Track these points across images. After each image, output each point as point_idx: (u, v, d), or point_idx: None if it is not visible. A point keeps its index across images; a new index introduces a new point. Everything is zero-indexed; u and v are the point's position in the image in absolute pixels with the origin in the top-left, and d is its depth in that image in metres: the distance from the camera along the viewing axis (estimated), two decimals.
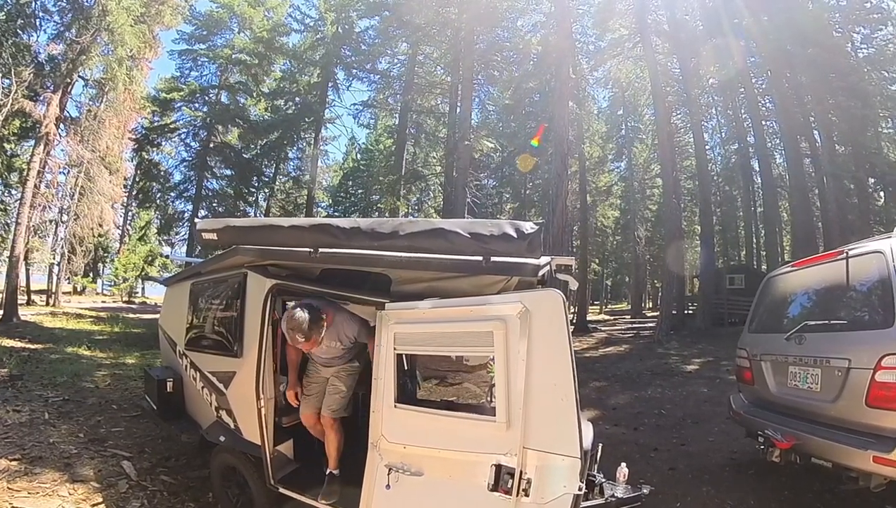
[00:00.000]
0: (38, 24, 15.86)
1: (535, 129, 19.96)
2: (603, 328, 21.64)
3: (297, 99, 24.29)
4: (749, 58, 16.50)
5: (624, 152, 28.91)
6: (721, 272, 20.40)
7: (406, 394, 2.23)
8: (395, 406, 2.18)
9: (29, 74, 15.18)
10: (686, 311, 20.36)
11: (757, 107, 17.24)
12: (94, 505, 3.46)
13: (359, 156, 33.73)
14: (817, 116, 15.23)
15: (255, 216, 29.69)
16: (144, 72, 20.19)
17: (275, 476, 2.92)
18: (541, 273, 2.16)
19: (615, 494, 2.84)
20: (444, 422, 2.05)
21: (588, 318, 28.56)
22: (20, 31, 15.58)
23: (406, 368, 2.31)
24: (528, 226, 1.91)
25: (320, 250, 2.49)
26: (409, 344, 2.19)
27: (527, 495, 1.83)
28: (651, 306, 37.47)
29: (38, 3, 15.27)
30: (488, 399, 2.05)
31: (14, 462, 3.94)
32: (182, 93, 23.62)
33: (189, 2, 21.62)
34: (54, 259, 22.55)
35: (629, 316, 30.88)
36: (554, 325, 1.82)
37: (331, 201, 37.79)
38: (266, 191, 28.96)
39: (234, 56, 23.79)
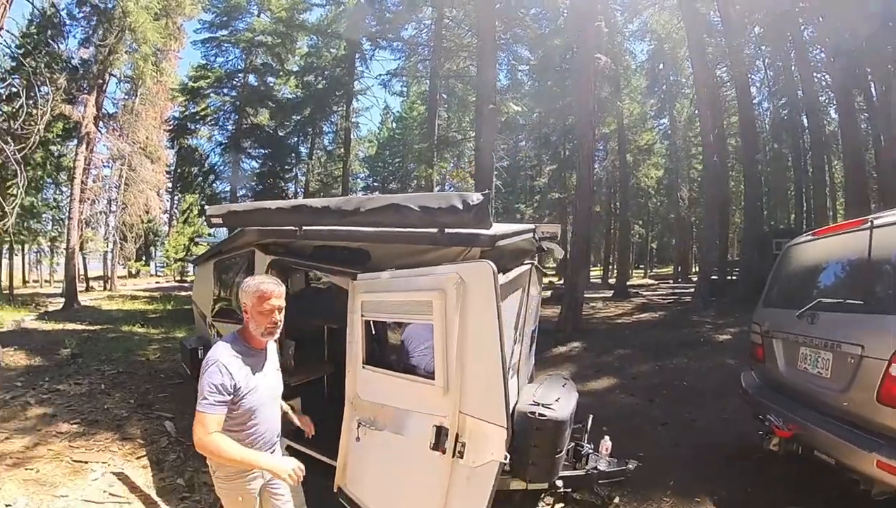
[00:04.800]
0: (66, 31, 16.83)
1: (568, 89, 19.19)
2: (644, 293, 21.11)
3: (325, 73, 24.32)
4: (798, 3, 15.04)
5: (666, 108, 27.48)
6: (767, 236, 19.31)
7: (373, 356, 2.41)
8: (364, 367, 2.38)
9: (64, 80, 16.11)
10: (729, 277, 19.54)
11: (806, 57, 15.70)
12: (138, 458, 3.97)
13: (394, 124, 33.33)
14: (873, 67, 13.83)
15: (294, 192, 30.46)
16: (173, 63, 21.07)
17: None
18: (503, 243, 2.24)
19: (598, 466, 2.92)
20: (399, 383, 2.22)
21: (631, 283, 27.97)
22: (51, 41, 16.54)
23: (374, 333, 2.50)
24: (475, 197, 1.95)
25: (304, 228, 2.71)
26: (372, 311, 2.37)
27: (461, 457, 1.95)
28: (696, 270, 36.19)
29: (65, 11, 16.13)
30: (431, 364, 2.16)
31: (75, 426, 4.56)
32: (209, 81, 24.18)
33: None
34: (107, 247, 24.48)
35: (673, 281, 30.15)
36: (483, 296, 1.86)
37: (369, 172, 37.96)
38: (303, 166, 29.58)
39: (256, 38, 23.97)
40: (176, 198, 29.78)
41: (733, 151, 23.10)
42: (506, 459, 1.87)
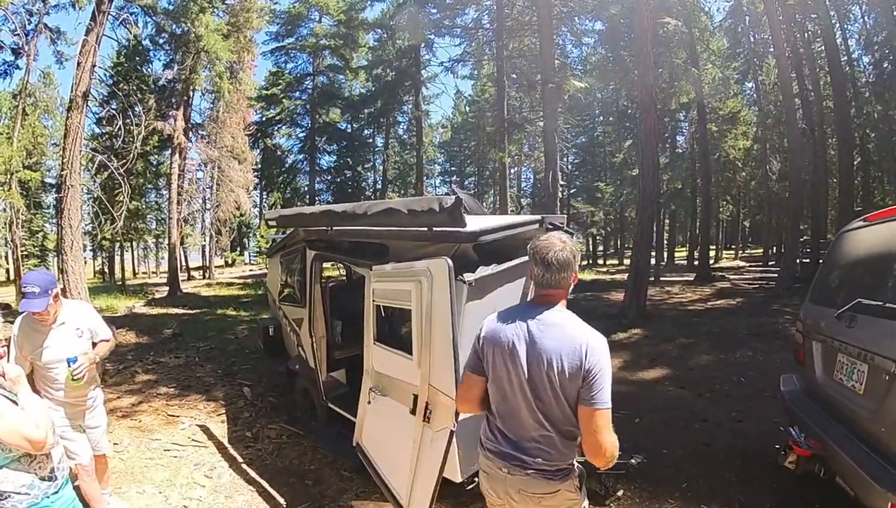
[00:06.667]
0: (150, 57, 19.36)
1: (634, 62, 18.09)
2: (730, 276, 19.71)
3: (392, 65, 24.80)
4: None
5: (751, 71, 25.01)
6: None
7: (380, 334, 2.89)
8: (374, 343, 2.86)
9: (153, 99, 18.59)
10: (821, 261, 17.55)
11: None
12: (218, 415, 4.86)
13: (466, 108, 33.08)
14: None
15: (374, 182, 31.56)
16: (249, 72, 23.19)
17: (326, 394, 3.90)
18: (489, 237, 2.54)
19: None
20: (394, 357, 2.67)
21: (719, 265, 26.01)
22: (139, 67, 19.10)
23: (382, 315, 2.98)
24: (447, 200, 2.25)
25: (334, 228, 3.26)
26: (380, 297, 2.83)
27: (429, 422, 2.33)
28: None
29: (147, 39, 18.33)
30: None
31: (171, 389, 5.62)
32: (280, 87, 25.94)
33: (270, 3, 23.98)
34: (205, 241, 27.60)
35: (763, 263, 27.78)
36: (442, 287, 2.20)
37: (445, 157, 38.17)
38: (379, 157, 30.74)
39: (320, 42, 25.34)
40: (265, 194, 32.53)
41: (831, 113, 20.54)
42: (454, 427, 2.21)
